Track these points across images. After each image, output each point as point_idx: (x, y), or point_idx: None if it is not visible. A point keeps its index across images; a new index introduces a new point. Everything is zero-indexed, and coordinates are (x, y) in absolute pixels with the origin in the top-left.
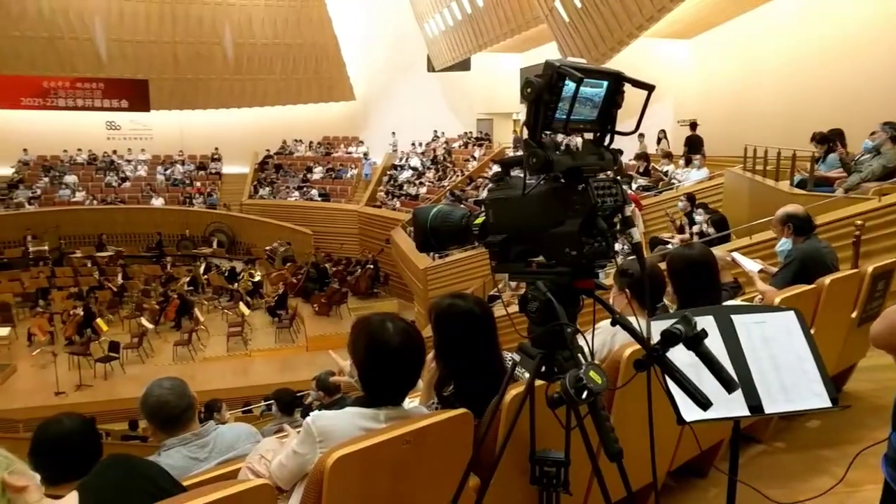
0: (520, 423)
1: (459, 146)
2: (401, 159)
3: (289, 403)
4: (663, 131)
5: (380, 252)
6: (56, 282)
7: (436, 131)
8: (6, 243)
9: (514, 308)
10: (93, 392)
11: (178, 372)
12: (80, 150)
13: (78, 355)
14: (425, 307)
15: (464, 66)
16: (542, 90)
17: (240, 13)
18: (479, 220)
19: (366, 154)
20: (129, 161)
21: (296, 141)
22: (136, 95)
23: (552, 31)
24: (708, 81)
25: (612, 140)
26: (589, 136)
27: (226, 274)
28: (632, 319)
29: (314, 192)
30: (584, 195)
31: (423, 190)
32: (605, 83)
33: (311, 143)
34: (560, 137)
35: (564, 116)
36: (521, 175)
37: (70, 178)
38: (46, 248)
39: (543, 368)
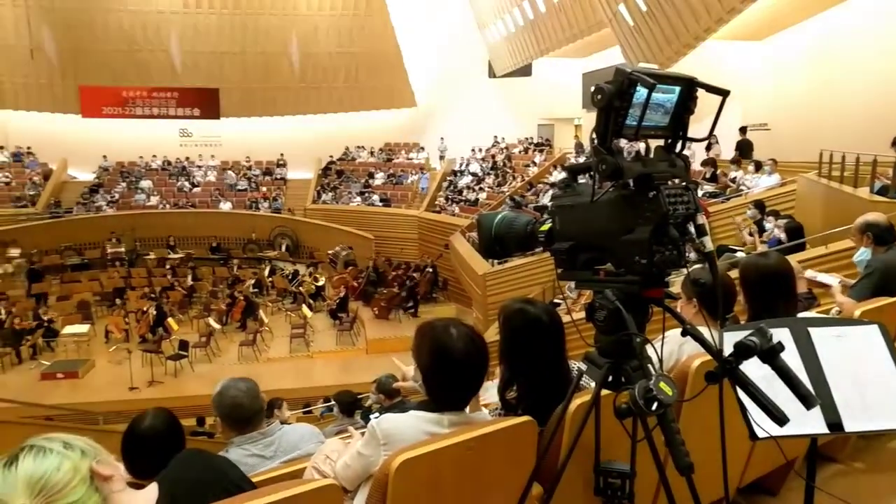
0: (584, 432)
1: (520, 151)
2: (460, 165)
3: (349, 405)
4: (714, 136)
5: (438, 257)
6: (131, 282)
7: (496, 137)
8: (87, 245)
9: (577, 315)
10: (163, 388)
11: (242, 371)
12: (154, 156)
13: (150, 353)
14: (483, 313)
15: (525, 71)
16: (613, 96)
17: (306, 23)
18: (545, 227)
19: (423, 168)
20: (199, 167)
21: (358, 147)
22: (207, 104)
23: (616, 35)
24: (780, 84)
25: (683, 147)
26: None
27: (289, 277)
28: (702, 330)
29: (375, 197)
30: (655, 202)
31: (482, 196)
32: (678, 89)
33: (372, 149)
34: (623, 143)
35: (635, 123)
36: (589, 181)
37: (145, 183)
38: (123, 249)
39: (610, 378)
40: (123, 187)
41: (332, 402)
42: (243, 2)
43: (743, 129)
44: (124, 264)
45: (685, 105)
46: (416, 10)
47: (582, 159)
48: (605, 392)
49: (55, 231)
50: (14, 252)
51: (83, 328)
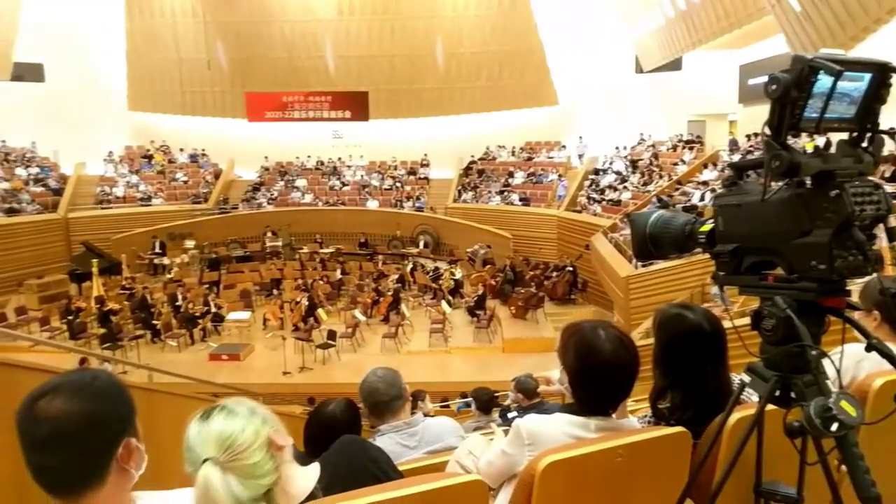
0: (745, 449)
1: (667, 149)
2: (603, 163)
3: (487, 403)
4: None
5: (578, 258)
6: (286, 273)
7: (642, 134)
8: (249, 238)
9: (739, 322)
10: (312, 374)
11: (383, 363)
12: (309, 156)
13: (302, 340)
14: (625, 317)
15: (675, 65)
16: (790, 86)
17: (451, 24)
18: (706, 228)
19: (561, 175)
20: (349, 166)
21: (499, 146)
22: (357, 106)
23: (779, 23)
24: None
25: (871, 140)
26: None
27: (430, 273)
28: (891, 346)
29: (515, 196)
30: (837, 202)
31: (626, 195)
32: (868, 76)
33: (514, 148)
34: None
35: (816, 115)
36: (758, 179)
37: (301, 182)
38: (280, 243)
39: (778, 393)
40: (281, 185)
41: (470, 399)
42: (392, 6)
43: None
44: (281, 257)
45: (876, 94)
46: (561, 5)
47: (737, 157)
48: (769, 407)
49: (223, 225)
50: (189, 244)
51: (245, 315)
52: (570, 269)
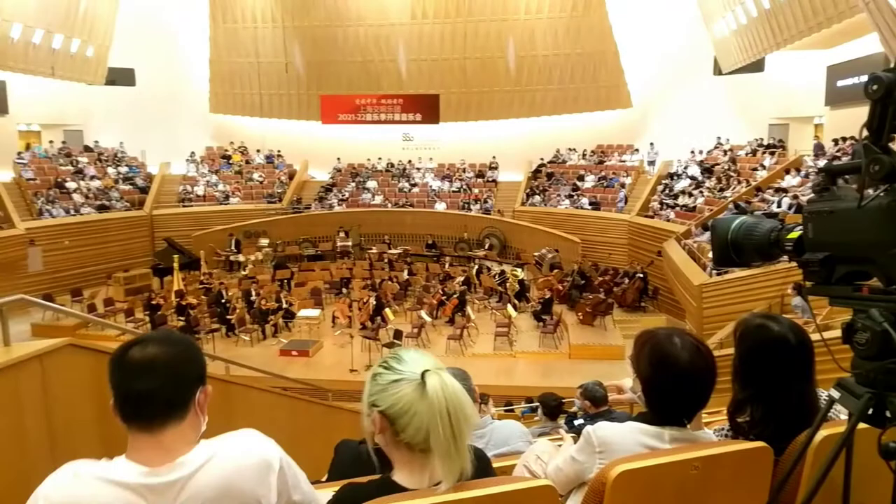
0: (832, 469)
1: (746, 154)
2: (677, 168)
3: (554, 409)
4: None
5: (650, 264)
6: (355, 273)
7: (719, 138)
8: (320, 238)
9: (829, 334)
10: None
11: (448, 364)
12: (380, 158)
13: (369, 339)
14: (698, 326)
15: (756, 66)
16: (893, 86)
17: (523, 27)
18: (794, 235)
19: (622, 185)
20: (418, 169)
21: (569, 150)
22: (428, 109)
23: (873, 21)
24: None
25: None
26: None
27: (496, 277)
28: None
29: (584, 200)
30: None
31: (700, 200)
32: None
33: (585, 151)
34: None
35: None
36: (853, 185)
37: (371, 184)
38: (350, 243)
39: (871, 411)
40: (352, 187)
41: (536, 404)
42: (464, 10)
43: None
44: (350, 257)
45: None
46: (637, 7)
47: (822, 162)
48: (860, 426)
49: (296, 225)
50: (263, 242)
51: (314, 312)
52: (641, 275)
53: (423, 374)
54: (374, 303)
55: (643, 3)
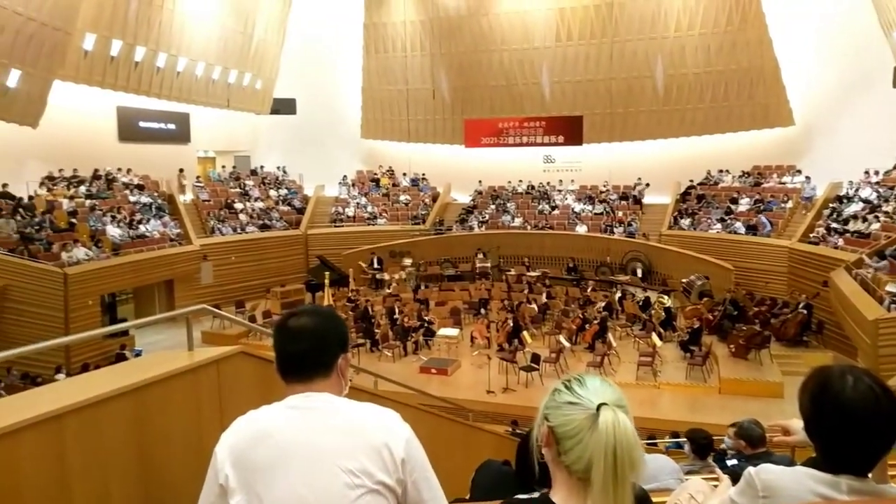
0: None
1: None
2: (847, 190)
3: (704, 447)
4: None
5: (815, 296)
6: (493, 294)
7: None
8: (460, 259)
9: None
10: (515, 396)
11: None
12: (520, 181)
13: (506, 361)
14: (873, 365)
15: None
16: None
17: (673, 44)
18: None
19: (761, 210)
20: (559, 191)
21: (721, 171)
22: (571, 131)
23: None
24: None
25: None
26: None
27: (640, 303)
28: None
29: (738, 224)
30: None
31: (875, 226)
32: None
33: (739, 172)
34: None
35: None
36: None
37: (511, 206)
38: (489, 264)
39: None
40: (493, 209)
41: (683, 440)
42: (610, 30)
43: None
44: (489, 278)
45: None
46: (801, 16)
47: None
48: None
49: (437, 245)
50: (407, 262)
51: (454, 332)
52: (805, 307)
53: (599, 406)
54: (512, 325)
55: (808, 11)
